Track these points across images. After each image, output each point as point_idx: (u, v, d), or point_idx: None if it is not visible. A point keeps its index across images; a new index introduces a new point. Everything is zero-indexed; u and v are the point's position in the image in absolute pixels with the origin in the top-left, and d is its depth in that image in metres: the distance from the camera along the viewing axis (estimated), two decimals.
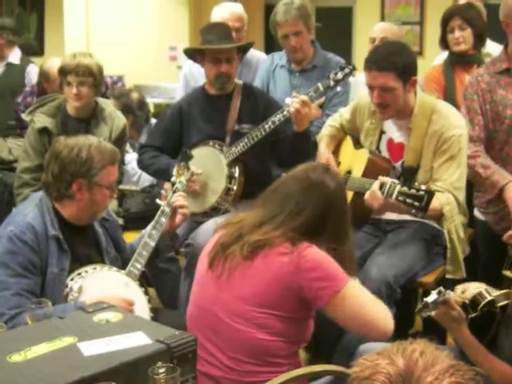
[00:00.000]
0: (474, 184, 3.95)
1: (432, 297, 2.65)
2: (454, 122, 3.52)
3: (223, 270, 2.59)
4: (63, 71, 4.16)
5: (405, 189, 3.08)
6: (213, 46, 4.00)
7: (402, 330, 3.91)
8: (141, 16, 9.72)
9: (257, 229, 2.58)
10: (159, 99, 8.63)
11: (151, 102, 8.49)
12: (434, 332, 3.98)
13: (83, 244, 3.10)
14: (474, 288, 2.86)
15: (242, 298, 2.54)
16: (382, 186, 3.20)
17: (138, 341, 2.10)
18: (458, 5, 4.58)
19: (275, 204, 2.63)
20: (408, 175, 3.50)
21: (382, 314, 2.58)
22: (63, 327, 2.18)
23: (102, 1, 9.79)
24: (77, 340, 2.08)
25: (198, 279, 2.73)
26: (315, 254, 2.52)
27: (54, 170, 3.00)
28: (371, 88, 3.52)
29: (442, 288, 2.68)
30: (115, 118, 4.34)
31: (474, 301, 2.80)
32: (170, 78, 8.52)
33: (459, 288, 2.90)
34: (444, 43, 4.60)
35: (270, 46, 4.93)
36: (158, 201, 3.39)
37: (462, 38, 4.48)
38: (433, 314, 2.72)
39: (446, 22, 4.54)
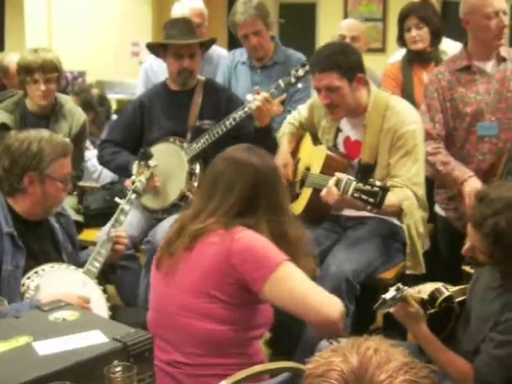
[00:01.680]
0: (434, 180, 3.97)
1: (390, 293, 2.67)
2: (408, 118, 3.54)
3: (169, 267, 2.60)
4: (27, 69, 4.05)
5: (360, 185, 3.09)
6: (176, 40, 3.98)
7: (363, 327, 3.94)
8: (103, 11, 9.65)
9: (195, 218, 2.59)
10: (121, 95, 8.59)
11: (113, 97, 8.44)
12: (395, 328, 4.02)
13: (39, 240, 3.06)
14: (430, 288, 2.88)
15: (185, 290, 2.54)
16: (338, 183, 3.20)
17: (94, 339, 2.08)
18: (414, 3, 4.59)
19: (208, 188, 2.64)
20: (365, 172, 3.51)
21: (323, 296, 2.48)
22: (18, 326, 2.16)
23: None
24: (32, 339, 2.06)
25: (151, 284, 2.74)
26: (247, 236, 2.50)
27: (5, 163, 2.97)
28: (318, 90, 3.55)
29: (400, 285, 2.69)
30: (75, 113, 4.29)
31: (432, 297, 2.82)
32: (133, 73, 8.45)
33: (415, 289, 2.91)
34: (402, 41, 4.62)
35: (233, 41, 4.92)
36: (117, 199, 3.36)
37: (419, 36, 4.49)
38: (391, 310, 2.74)
39: (402, 20, 4.56)
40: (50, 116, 4.20)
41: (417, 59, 4.53)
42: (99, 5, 9.63)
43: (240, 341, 2.55)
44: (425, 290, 2.87)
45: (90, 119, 5.25)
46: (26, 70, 4.06)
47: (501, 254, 2.52)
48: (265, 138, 3.86)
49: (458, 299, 2.84)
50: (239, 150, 2.68)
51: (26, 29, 8.26)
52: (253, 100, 3.77)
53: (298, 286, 2.47)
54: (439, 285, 2.89)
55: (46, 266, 2.95)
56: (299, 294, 2.46)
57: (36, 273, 2.91)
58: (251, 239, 2.51)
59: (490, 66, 3.81)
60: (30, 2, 8.76)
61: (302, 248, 2.64)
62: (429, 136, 3.74)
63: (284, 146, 3.92)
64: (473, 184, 3.59)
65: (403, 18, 4.56)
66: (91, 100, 5.45)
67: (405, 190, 3.44)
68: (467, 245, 2.66)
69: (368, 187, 3.07)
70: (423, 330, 2.73)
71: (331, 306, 2.45)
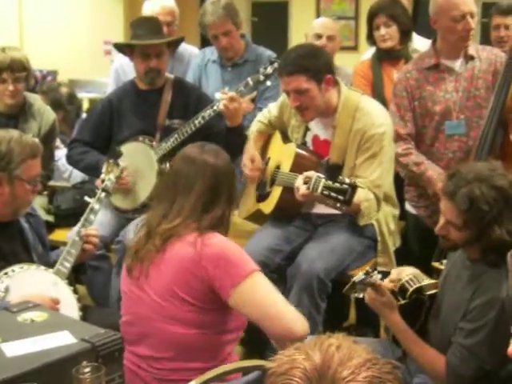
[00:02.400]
0: (405, 179, 4.00)
1: (359, 277, 2.71)
2: (377, 120, 3.54)
3: (141, 271, 2.59)
4: None
5: (329, 183, 3.09)
6: (142, 41, 3.97)
7: (336, 324, 3.95)
8: (75, 10, 9.59)
9: (163, 219, 2.60)
10: (94, 94, 8.53)
11: (86, 96, 8.39)
12: (368, 325, 4.05)
13: (8, 241, 3.03)
14: (408, 271, 2.90)
15: (157, 293, 2.53)
16: (307, 181, 3.21)
17: (62, 340, 2.08)
18: (383, 1, 4.60)
19: (169, 189, 2.66)
20: (333, 172, 3.49)
21: (290, 311, 2.47)
22: None
23: None
24: (0, 340, 2.05)
25: (122, 290, 2.73)
26: (219, 242, 2.52)
27: None
28: (287, 93, 3.57)
29: (369, 268, 2.73)
30: (44, 113, 4.26)
31: (403, 288, 2.84)
32: (105, 72, 8.41)
33: (394, 271, 2.94)
34: (371, 39, 4.63)
35: (206, 40, 4.91)
36: (86, 198, 3.34)
37: (388, 34, 4.49)
38: (364, 297, 2.76)
39: (371, 18, 4.56)
40: (19, 115, 4.17)
41: (386, 57, 4.54)
42: (70, 3, 9.58)
43: (212, 345, 2.56)
44: (403, 273, 2.89)
45: (59, 118, 5.20)
46: None
47: (473, 224, 2.54)
48: (236, 137, 3.87)
49: (429, 292, 2.85)
50: (193, 149, 2.71)
51: None
52: (220, 100, 3.77)
53: (266, 298, 2.48)
54: (415, 271, 2.91)
55: (16, 267, 2.91)
56: (267, 307, 2.47)
57: (6, 274, 2.88)
58: (223, 245, 2.52)
59: (458, 65, 3.84)
60: (0, 1, 8.69)
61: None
62: (399, 137, 3.77)
63: (251, 143, 3.92)
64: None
65: (372, 16, 4.56)
66: (60, 99, 5.40)
67: (366, 192, 3.44)
68: (440, 222, 2.68)
69: (337, 185, 3.08)
70: (396, 319, 2.75)
71: (298, 322, 2.44)
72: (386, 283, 2.82)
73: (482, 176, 2.55)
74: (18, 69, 4.02)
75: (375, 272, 2.74)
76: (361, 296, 2.81)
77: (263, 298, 2.48)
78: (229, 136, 3.85)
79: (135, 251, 2.63)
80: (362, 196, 3.41)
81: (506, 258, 2.09)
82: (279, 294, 2.52)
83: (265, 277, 2.53)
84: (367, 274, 2.70)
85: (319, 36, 4.81)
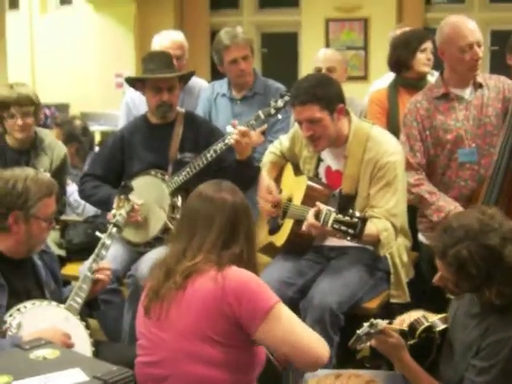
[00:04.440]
0: (418, 209, 3.98)
1: (363, 329, 2.67)
2: (389, 149, 3.55)
3: (161, 311, 2.56)
4: (3, 104, 4.07)
5: (340, 216, 3.10)
6: (153, 75, 3.99)
7: (350, 357, 3.92)
8: (86, 43, 9.68)
9: (182, 257, 2.58)
10: (106, 127, 8.58)
11: (98, 129, 8.45)
12: (382, 357, 4.01)
13: (21, 278, 3.03)
14: (414, 315, 2.88)
15: (180, 333, 2.51)
16: (318, 214, 3.21)
17: (74, 378, 2.06)
18: (429, 29, 4.62)
19: (187, 227, 2.65)
20: (346, 203, 3.51)
21: (316, 338, 2.54)
22: None
23: (45, 28, 9.76)
24: (12, 379, 2.04)
25: (138, 330, 2.70)
26: (240, 275, 2.51)
27: None
28: (299, 122, 3.57)
29: (373, 320, 2.69)
30: (55, 147, 4.29)
31: (412, 327, 2.82)
32: (117, 105, 8.46)
33: (398, 319, 2.92)
34: (396, 65, 4.64)
35: (216, 73, 4.94)
36: (97, 233, 3.34)
37: (431, 61, 4.56)
38: (372, 343, 2.74)
39: (419, 42, 4.56)
40: (30, 151, 4.20)
41: (410, 85, 4.54)
42: (82, 37, 9.66)
43: None
44: (406, 320, 2.87)
45: (73, 150, 5.26)
46: (1, 105, 4.07)
47: (465, 283, 2.53)
48: (246, 169, 3.88)
49: (439, 328, 2.83)
50: (211, 187, 2.70)
51: (8, 62, 8.23)
52: (231, 135, 3.78)
53: (291, 329, 2.51)
54: (421, 313, 2.89)
55: (28, 303, 2.91)
56: (293, 336, 2.49)
57: (18, 310, 2.87)
58: (246, 279, 2.52)
59: (467, 93, 3.85)
60: (12, 35, 8.77)
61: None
62: (410, 166, 3.76)
63: (264, 174, 3.91)
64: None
65: (421, 39, 4.58)
66: (74, 131, 5.44)
67: (383, 221, 3.45)
68: (437, 275, 2.67)
69: (347, 218, 3.08)
70: (406, 359, 2.72)
71: (322, 347, 2.51)
72: (392, 326, 2.79)
73: (472, 233, 2.50)
74: (25, 103, 4.07)
75: (380, 321, 2.70)
76: (367, 345, 2.78)
77: (289, 329, 2.50)
78: (239, 169, 3.85)
79: (153, 290, 2.60)
80: (380, 226, 3.41)
81: None
82: (301, 321, 2.58)
83: (285, 306, 2.55)
84: (371, 325, 2.67)
85: (319, 69, 4.82)
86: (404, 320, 2.87)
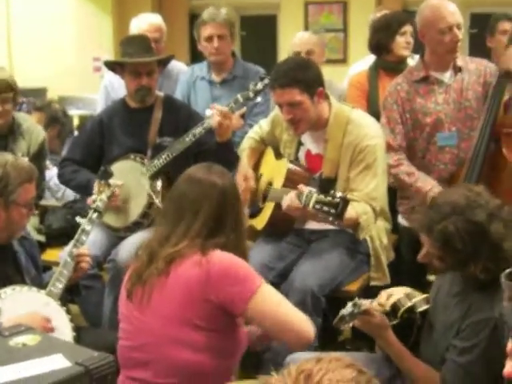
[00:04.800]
0: (397, 191, 3.99)
1: (348, 309, 2.68)
2: (369, 132, 3.55)
3: (143, 295, 2.55)
4: None
5: (321, 197, 3.09)
6: (132, 59, 3.96)
7: (331, 339, 3.93)
8: (64, 27, 9.57)
9: (166, 242, 2.56)
10: (84, 111, 8.49)
11: (76, 113, 8.35)
12: (363, 339, 4.03)
13: (1, 264, 3.01)
14: (399, 292, 2.88)
15: (163, 318, 2.50)
16: (299, 195, 3.20)
17: (56, 364, 2.05)
18: (408, 13, 4.62)
19: (174, 211, 2.63)
20: (326, 186, 3.49)
21: (301, 317, 2.55)
22: None
23: (23, 11, 9.62)
24: None
25: (122, 314, 2.68)
26: (225, 259, 2.50)
27: None
28: (280, 105, 3.57)
29: (357, 299, 2.71)
30: (33, 132, 4.25)
31: (394, 308, 2.82)
32: (95, 89, 8.41)
33: (384, 293, 2.92)
34: (377, 47, 4.64)
35: (195, 56, 4.91)
36: (78, 219, 3.32)
37: (411, 44, 4.57)
38: (356, 323, 2.74)
39: (399, 25, 4.58)
40: (8, 135, 4.15)
41: (390, 68, 4.55)
42: (59, 20, 9.55)
43: (218, 370, 2.54)
44: (394, 295, 2.88)
45: (55, 134, 5.22)
46: None
47: (451, 258, 2.54)
48: (226, 152, 3.86)
49: (421, 309, 2.84)
50: (200, 170, 2.68)
51: None
52: (213, 116, 3.76)
53: (278, 307, 2.53)
54: (404, 290, 2.89)
55: (8, 289, 2.89)
56: (280, 315, 2.52)
57: None
58: (230, 262, 2.51)
59: (447, 76, 3.85)
60: None
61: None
62: (390, 148, 3.77)
63: (244, 160, 3.90)
64: (437, 192, 3.62)
65: (401, 22, 4.59)
66: (56, 114, 5.40)
67: (363, 205, 3.45)
68: (422, 251, 2.69)
69: (329, 198, 3.07)
70: (391, 339, 2.74)
71: (309, 326, 2.52)
72: (375, 306, 2.80)
73: (459, 209, 2.51)
74: (4, 90, 4.00)
75: (362, 301, 2.71)
76: (350, 325, 2.79)
77: (277, 308, 2.52)
78: (220, 152, 3.83)
79: (136, 274, 2.58)
80: (359, 209, 3.42)
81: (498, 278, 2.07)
82: (286, 300, 2.59)
83: (270, 286, 2.57)
84: (355, 305, 2.67)
85: (298, 53, 4.81)
86: (390, 295, 2.87)
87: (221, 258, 2.50)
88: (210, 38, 4.55)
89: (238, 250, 2.59)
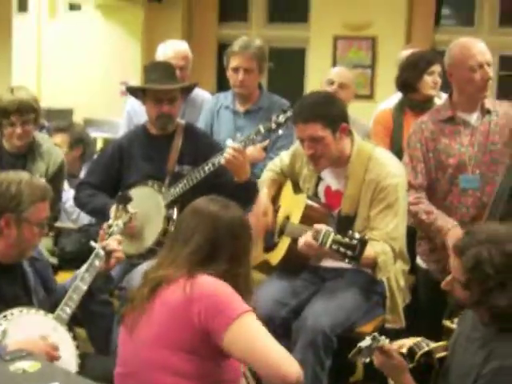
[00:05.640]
0: (417, 231, 3.93)
1: (366, 342, 2.65)
2: (391, 171, 3.50)
3: (132, 321, 2.54)
4: (3, 112, 3.99)
5: (339, 237, 3.05)
6: (154, 86, 3.95)
7: (342, 380, 3.87)
8: (93, 50, 9.69)
9: (158, 268, 2.56)
10: (109, 134, 8.56)
11: (100, 136, 8.43)
12: (375, 380, 3.96)
13: (10, 283, 2.99)
14: (410, 342, 2.83)
15: (149, 344, 2.47)
16: (316, 234, 3.15)
17: None
18: (438, 53, 4.60)
19: (171, 238, 2.67)
20: (345, 223, 3.46)
21: (284, 354, 2.38)
22: None
23: (53, 32, 9.77)
24: None
25: (118, 342, 2.68)
26: (208, 282, 2.46)
27: None
28: (301, 140, 3.53)
29: (376, 334, 2.66)
30: (52, 153, 4.24)
31: (411, 351, 2.77)
32: (121, 112, 8.45)
33: (397, 343, 2.85)
34: (404, 86, 4.62)
35: (222, 85, 4.90)
36: (92, 243, 3.29)
37: (438, 84, 4.54)
38: (375, 362, 2.69)
39: (427, 64, 4.55)
40: (27, 155, 4.15)
41: (417, 107, 4.52)
42: (89, 43, 9.67)
43: None
44: (406, 344, 2.82)
45: (78, 155, 5.19)
46: (2, 113, 4.00)
47: (477, 286, 2.47)
48: (244, 192, 3.74)
49: (438, 355, 2.78)
50: (202, 201, 2.68)
51: (13, 65, 8.22)
52: (224, 153, 3.72)
53: (259, 340, 2.40)
54: (420, 340, 2.83)
55: (15, 311, 2.87)
56: (260, 348, 2.37)
57: (4, 317, 2.83)
58: (214, 287, 2.45)
59: (474, 118, 3.81)
60: (19, 38, 8.76)
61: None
62: (410, 186, 3.72)
63: (263, 193, 3.85)
64: (456, 234, 3.55)
65: (430, 62, 4.57)
66: (81, 135, 5.39)
67: (382, 244, 3.40)
68: (448, 277, 2.64)
69: (346, 239, 3.03)
70: (408, 381, 2.67)
71: (291, 366, 2.34)
72: (394, 346, 2.75)
73: (495, 239, 2.48)
74: (26, 111, 4.00)
75: (382, 337, 2.67)
76: (367, 361, 2.73)
77: (257, 340, 2.39)
78: (236, 191, 3.71)
79: (130, 298, 2.60)
80: (378, 249, 3.37)
81: None
82: (270, 336, 2.42)
83: (255, 318, 2.44)
84: (374, 339, 2.64)
85: (331, 82, 4.83)
86: (404, 344, 2.81)
87: (205, 282, 2.46)
88: (236, 70, 4.52)
89: (239, 283, 2.53)
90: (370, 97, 9.02)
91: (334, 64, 8.73)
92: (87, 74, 9.56)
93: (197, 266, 2.49)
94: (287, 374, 2.31)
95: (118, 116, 7.45)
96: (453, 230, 3.62)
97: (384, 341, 2.66)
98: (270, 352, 2.36)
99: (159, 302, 2.48)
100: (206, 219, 2.57)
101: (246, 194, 3.76)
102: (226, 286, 2.47)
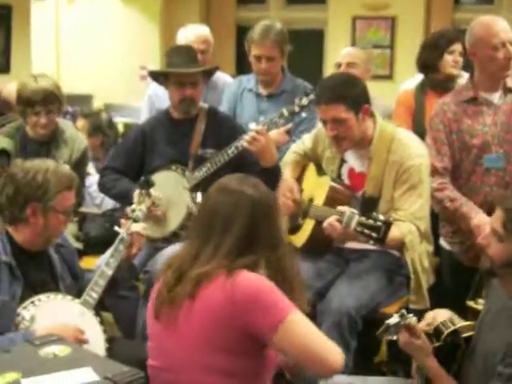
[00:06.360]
0: (439, 214, 3.91)
1: (394, 319, 2.64)
2: (414, 151, 3.49)
3: (170, 317, 2.44)
4: (28, 102, 3.99)
5: (363, 219, 3.05)
6: (177, 69, 3.95)
7: (367, 360, 3.87)
8: (111, 34, 9.68)
9: (195, 261, 2.44)
10: (129, 119, 8.56)
11: (121, 121, 8.42)
12: (399, 361, 3.96)
13: (37, 270, 3.02)
14: (443, 314, 2.81)
15: (189, 343, 2.40)
16: (341, 216, 3.15)
17: (84, 377, 2.05)
18: (460, 31, 4.54)
19: (204, 225, 2.49)
20: (369, 205, 3.46)
21: (329, 346, 2.40)
22: (8, 362, 2.14)
23: (72, 18, 9.76)
24: (21, 376, 2.03)
25: (150, 333, 2.58)
26: (250, 283, 2.37)
27: (9, 192, 2.95)
28: (324, 122, 3.52)
29: (404, 311, 2.65)
30: (76, 140, 4.25)
31: (438, 330, 2.76)
32: (140, 97, 8.45)
33: (429, 314, 2.85)
34: (425, 66, 4.58)
35: (241, 68, 4.88)
36: (116, 228, 3.31)
37: (460, 63, 4.50)
38: (398, 339, 2.69)
39: (448, 43, 4.52)
40: (50, 142, 4.16)
41: (439, 86, 4.49)
42: (108, 28, 9.66)
43: None
44: (438, 317, 2.81)
45: (98, 143, 5.23)
46: (26, 102, 4.01)
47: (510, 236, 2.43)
48: (270, 177, 3.65)
49: (465, 334, 2.76)
50: (232, 180, 2.55)
51: (32, 52, 8.24)
52: (245, 137, 3.72)
53: (306, 336, 2.39)
54: (448, 314, 2.82)
55: (43, 296, 2.91)
56: (307, 344, 2.38)
57: (32, 303, 2.87)
58: (257, 286, 2.37)
59: (496, 98, 3.77)
60: (38, 24, 8.77)
61: (298, 283, 2.54)
62: (435, 171, 3.68)
63: (287, 174, 3.84)
64: (481, 219, 3.55)
65: (450, 40, 4.52)
66: (101, 123, 5.42)
67: (408, 225, 3.39)
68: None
69: (371, 221, 3.02)
70: (432, 364, 2.66)
71: (337, 355, 2.38)
72: (422, 326, 2.74)
73: None
74: (50, 101, 4.01)
75: (410, 314, 2.66)
76: (394, 338, 2.72)
77: (304, 337, 2.38)
78: (261, 175, 3.70)
79: (164, 294, 2.47)
80: (405, 229, 3.36)
81: None
82: (314, 327, 2.44)
83: (299, 312, 2.41)
84: (402, 316, 2.63)
85: (339, 65, 4.79)
86: (434, 317, 2.80)
87: (247, 281, 2.37)
88: (258, 58, 4.49)
89: (283, 266, 2.49)
90: (389, 77, 8.98)
91: (353, 45, 8.67)
92: (106, 59, 9.56)
93: (239, 256, 2.41)
94: (333, 364, 2.35)
95: (138, 100, 7.46)
96: (478, 217, 3.60)
97: (411, 318, 2.65)
98: (317, 345, 2.38)
99: (200, 301, 2.37)
100: (244, 205, 2.45)
101: (271, 178, 3.68)
102: (267, 283, 2.40)
